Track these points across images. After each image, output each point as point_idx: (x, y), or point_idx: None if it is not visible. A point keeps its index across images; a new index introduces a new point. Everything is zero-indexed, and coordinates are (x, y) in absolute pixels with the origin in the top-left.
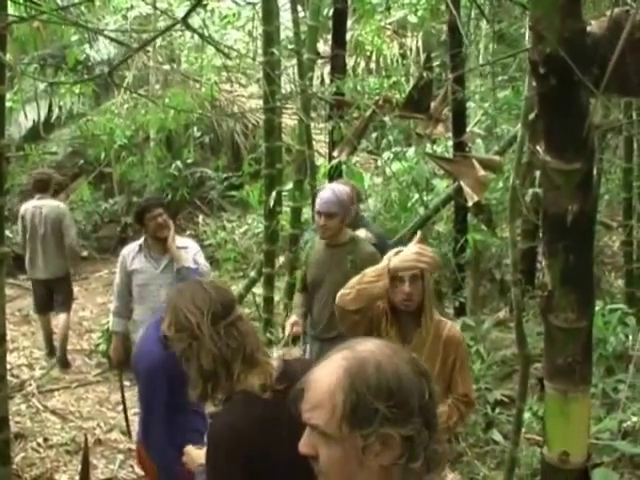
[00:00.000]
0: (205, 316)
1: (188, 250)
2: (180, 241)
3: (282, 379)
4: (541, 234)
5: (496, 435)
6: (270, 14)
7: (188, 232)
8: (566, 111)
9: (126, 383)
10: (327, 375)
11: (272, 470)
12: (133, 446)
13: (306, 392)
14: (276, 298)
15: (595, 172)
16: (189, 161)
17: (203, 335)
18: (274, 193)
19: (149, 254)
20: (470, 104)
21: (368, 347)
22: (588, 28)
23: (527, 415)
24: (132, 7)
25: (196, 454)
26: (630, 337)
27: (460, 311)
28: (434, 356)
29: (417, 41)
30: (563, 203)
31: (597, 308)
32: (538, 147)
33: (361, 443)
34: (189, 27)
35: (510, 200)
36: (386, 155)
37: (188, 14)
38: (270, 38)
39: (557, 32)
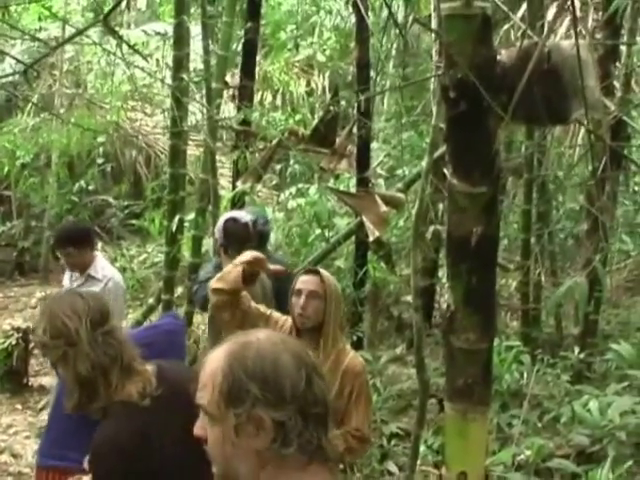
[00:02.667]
0: (84, 322)
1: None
2: (97, 270)
3: (159, 385)
4: (443, 269)
5: (391, 466)
6: (181, 40)
7: None
8: (474, 135)
9: (18, 406)
10: (214, 357)
11: (158, 478)
12: (24, 469)
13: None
14: None
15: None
16: (90, 188)
17: (81, 341)
18: (176, 219)
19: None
20: (374, 145)
21: (258, 335)
22: (498, 57)
23: (422, 448)
24: (41, 29)
25: None
26: (525, 375)
27: (358, 345)
28: (330, 385)
29: (324, 79)
30: (468, 225)
31: (494, 344)
32: (445, 170)
33: (233, 422)
34: (109, 28)
35: (414, 222)
36: (289, 190)
37: (109, 13)
38: (180, 64)
39: (469, 58)
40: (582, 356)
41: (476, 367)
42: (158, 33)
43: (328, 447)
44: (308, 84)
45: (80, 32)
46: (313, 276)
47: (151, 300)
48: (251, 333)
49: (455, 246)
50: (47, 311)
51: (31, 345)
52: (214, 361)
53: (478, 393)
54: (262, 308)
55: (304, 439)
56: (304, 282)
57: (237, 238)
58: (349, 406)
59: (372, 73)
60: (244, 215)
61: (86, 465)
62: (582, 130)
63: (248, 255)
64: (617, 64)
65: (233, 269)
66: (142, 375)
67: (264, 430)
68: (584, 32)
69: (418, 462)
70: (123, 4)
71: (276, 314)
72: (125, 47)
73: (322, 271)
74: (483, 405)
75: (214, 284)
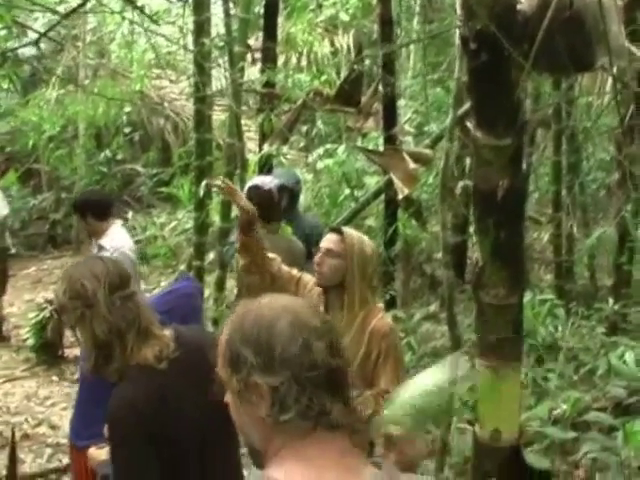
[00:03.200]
0: (102, 284)
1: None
2: (107, 240)
3: (177, 348)
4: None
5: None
6: (201, 5)
7: None
8: (496, 86)
9: (54, 378)
10: (226, 325)
11: (176, 441)
12: (62, 440)
13: None
14: (206, 292)
15: (525, 165)
16: (118, 157)
17: (98, 303)
18: (204, 184)
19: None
20: (401, 102)
21: (261, 301)
22: (519, 6)
23: (457, 405)
24: (61, 2)
25: (97, 453)
26: (559, 328)
27: (391, 304)
28: (357, 345)
29: (348, 39)
30: (494, 179)
31: (527, 299)
32: (468, 123)
33: (237, 388)
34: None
35: (441, 178)
36: (317, 151)
37: None
38: (201, 29)
39: (488, 8)
40: (617, 307)
41: (506, 322)
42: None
43: (337, 413)
44: (332, 44)
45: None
46: (335, 234)
47: (182, 267)
48: (257, 299)
49: (482, 200)
50: (67, 274)
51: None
52: (225, 328)
53: (509, 349)
54: (293, 271)
55: (302, 404)
56: (325, 240)
57: (261, 205)
58: (377, 368)
59: (396, 30)
60: (269, 181)
61: (106, 431)
62: (609, 78)
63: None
64: None
65: None
66: (160, 339)
67: (262, 397)
68: None
69: (454, 419)
70: None
71: (307, 276)
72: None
73: (346, 230)
74: (515, 361)
75: (239, 247)
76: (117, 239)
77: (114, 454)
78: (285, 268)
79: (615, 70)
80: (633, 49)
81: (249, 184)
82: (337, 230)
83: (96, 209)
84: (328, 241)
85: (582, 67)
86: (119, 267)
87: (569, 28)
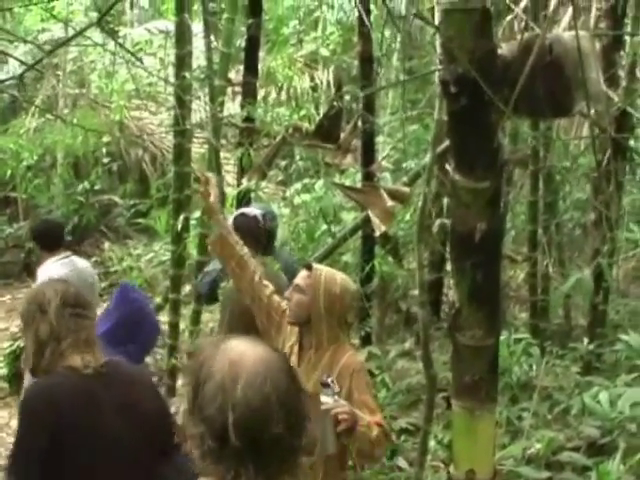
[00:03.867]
0: (58, 297)
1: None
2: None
3: (107, 366)
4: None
5: (401, 462)
6: (183, 38)
7: (94, 258)
8: (476, 130)
9: None
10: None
11: (85, 443)
12: None
13: None
14: (182, 325)
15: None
16: (96, 187)
17: (49, 310)
18: (182, 217)
19: None
20: (379, 139)
21: (226, 348)
22: (499, 50)
23: (432, 443)
24: (43, 30)
25: None
26: (534, 367)
27: (366, 340)
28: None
29: (328, 74)
30: (471, 221)
31: (502, 338)
32: (447, 166)
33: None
34: (105, 30)
35: (419, 218)
36: (295, 186)
37: (104, 15)
38: (182, 62)
39: (469, 52)
40: (591, 347)
41: (483, 363)
42: (161, 31)
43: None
44: (312, 79)
45: (77, 34)
46: (307, 271)
47: (159, 299)
48: (225, 342)
49: (459, 242)
50: (35, 287)
51: None
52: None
53: (485, 390)
54: (283, 303)
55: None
56: (298, 276)
57: (248, 231)
58: (354, 404)
59: (376, 67)
60: (253, 210)
61: None
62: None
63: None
64: (621, 53)
65: None
66: (94, 352)
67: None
68: (587, 22)
69: (428, 457)
70: (126, 3)
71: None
72: (128, 46)
73: (316, 266)
74: (490, 402)
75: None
76: (47, 272)
77: (17, 435)
78: (276, 297)
79: (593, 115)
80: (610, 94)
81: (234, 214)
82: (308, 266)
83: (44, 240)
84: (298, 277)
85: (561, 112)
86: (79, 291)
87: (549, 73)
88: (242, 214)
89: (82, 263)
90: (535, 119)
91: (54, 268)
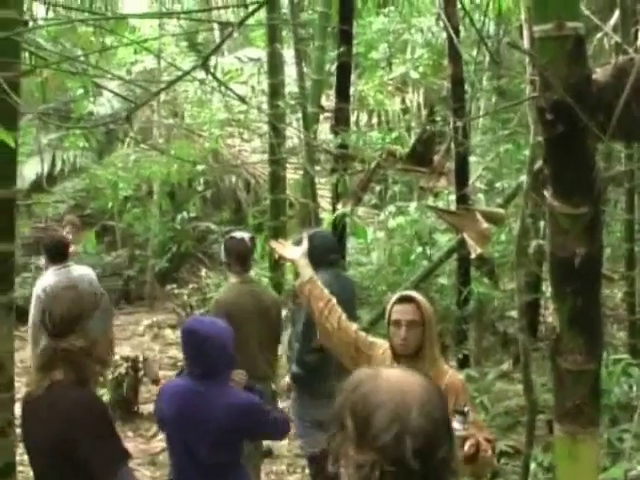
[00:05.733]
0: None
1: None
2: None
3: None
4: (547, 283)
5: None
6: (276, 68)
7: (191, 285)
8: (573, 156)
9: (129, 434)
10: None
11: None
12: None
13: None
14: (279, 352)
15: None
16: (192, 215)
17: None
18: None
19: None
20: (471, 159)
21: (383, 377)
22: (593, 75)
23: (533, 466)
24: (136, 61)
25: None
26: (634, 387)
27: (464, 363)
28: None
29: (419, 96)
30: (571, 247)
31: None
32: (545, 192)
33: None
34: (208, 71)
35: (517, 243)
36: (389, 209)
37: (207, 58)
38: (276, 91)
39: (563, 79)
40: None
41: (584, 388)
42: (252, 59)
43: None
44: (403, 102)
45: (184, 75)
46: (409, 304)
47: None
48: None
49: (559, 267)
50: None
51: (140, 373)
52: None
53: (587, 414)
54: (368, 337)
55: None
56: (401, 312)
57: (237, 253)
58: None
59: (466, 87)
60: (240, 234)
61: None
62: None
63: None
64: None
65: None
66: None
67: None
68: None
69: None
70: (216, 32)
71: (379, 341)
72: (219, 74)
73: (416, 296)
74: (593, 426)
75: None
76: (43, 279)
77: None
78: (361, 333)
79: None
80: None
81: (225, 238)
82: (409, 299)
83: (48, 252)
84: (407, 313)
85: None
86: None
87: None
88: (231, 237)
89: (79, 271)
90: (631, 143)
91: (47, 276)
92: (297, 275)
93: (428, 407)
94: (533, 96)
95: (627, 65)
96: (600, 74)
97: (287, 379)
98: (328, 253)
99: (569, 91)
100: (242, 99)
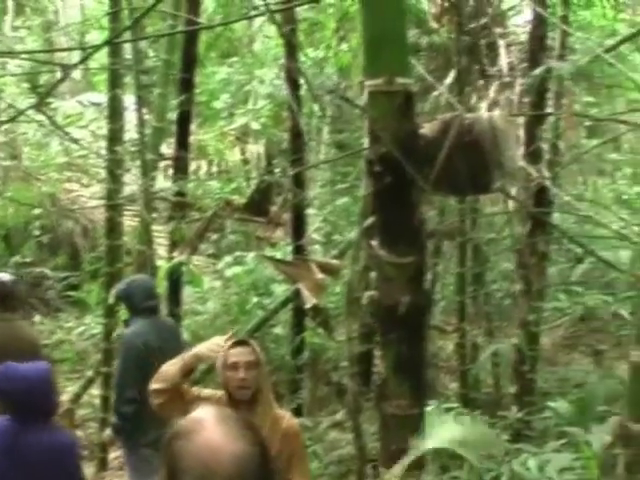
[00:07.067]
0: None
1: None
2: None
3: None
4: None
5: None
6: (116, 113)
7: None
8: (399, 207)
9: None
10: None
11: None
12: None
13: None
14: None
15: (431, 277)
16: (27, 260)
17: None
18: (113, 291)
19: None
20: (310, 211)
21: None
22: (421, 130)
23: None
24: None
25: None
26: None
27: (297, 412)
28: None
29: (259, 147)
30: (396, 295)
31: (432, 407)
32: (373, 242)
33: None
34: (44, 113)
35: (347, 292)
36: (226, 259)
37: (43, 98)
38: (115, 136)
39: (392, 133)
40: (520, 415)
41: (409, 432)
42: (93, 103)
43: None
44: (243, 152)
45: (19, 114)
46: (245, 347)
47: (90, 372)
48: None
49: (384, 315)
50: None
51: None
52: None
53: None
54: (195, 390)
55: None
56: (238, 355)
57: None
58: (292, 467)
59: (306, 139)
60: (3, 275)
61: None
62: None
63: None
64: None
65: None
66: None
67: None
68: (511, 98)
69: None
70: (58, 74)
71: (206, 391)
72: (59, 118)
73: (249, 340)
74: (417, 469)
75: (153, 385)
76: None
77: None
78: (205, 391)
79: (513, 191)
80: (530, 170)
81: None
82: (244, 342)
83: None
84: (244, 354)
85: (480, 189)
86: None
87: (469, 152)
88: None
89: None
90: (456, 196)
91: None
92: (126, 324)
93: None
94: (363, 148)
95: (453, 121)
96: (428, 129)
97: (108, 431)
98: (146, 300)
99: (397, 144)
100: (76, 142)
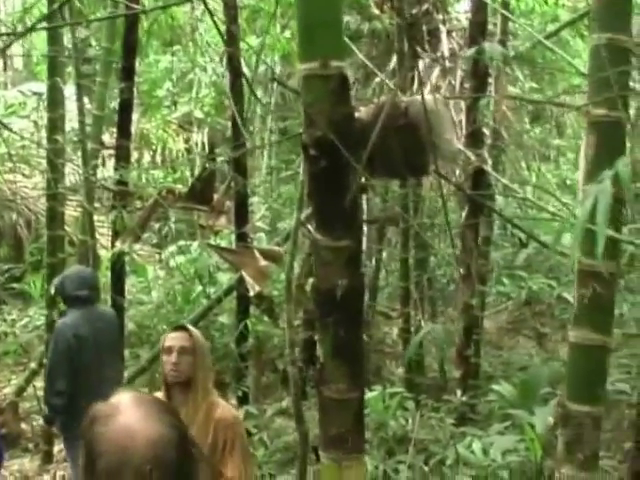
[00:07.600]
0: None
1: None
2: None
3: None
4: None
5: None
6: (55, 102)
7: None
8: (335, 191)
9: None
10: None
11: None
12: None
13: None
14: None
15: (375, 263)
16: None
17: None
18: (53, 282)
19: None
20: (254, 199)
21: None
22: (357, 114)
23: None
24: None
25: None
26: (409, 420)
27: (243, 400)
28: (203, 437)
29: (203, 136)
30: (333, 278)
31: (377, 393)
32: (309, 226)
33: None
34: None
35: (286, 277)
36: (170, 248)
37: None
38: (55, 125)
39: (327, 116)
40: (465, 398)
41: (348, 416)
42: (35, 93)
43: None
44: (187, 141)
45: None
46: (182, 332)
47: (34, 364)
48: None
49: (322, 299)
50: None
51: None
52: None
53: (352, 441)
54: None
55: None
56: (173, 339)
57: None
58: (224, 457)
59: (251, 128)
60: None
61: None
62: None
63: None
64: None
65: None
66: None
67: None
68: (452, 82)
69: None
70: None
71: None
72: (1, 108)
73: (189, 326)
74: (358, 452)
75: None
76: None
77: None
78: None
79: (448, 173)
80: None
81: None
82: (182, 328)
83: None
84: (179, 339)
85: (417, 172)
86: None
87: (404, 135)
88: None
89: None
90: (393, 179)
91: None
92: (62, 314)
93: (147, 468)
94: (300, 133)
95: (387, 104)
96: (364, 112)
97: (41, 421)
98: (77, 290)
99: (332, 128)
100: (11, 131)
